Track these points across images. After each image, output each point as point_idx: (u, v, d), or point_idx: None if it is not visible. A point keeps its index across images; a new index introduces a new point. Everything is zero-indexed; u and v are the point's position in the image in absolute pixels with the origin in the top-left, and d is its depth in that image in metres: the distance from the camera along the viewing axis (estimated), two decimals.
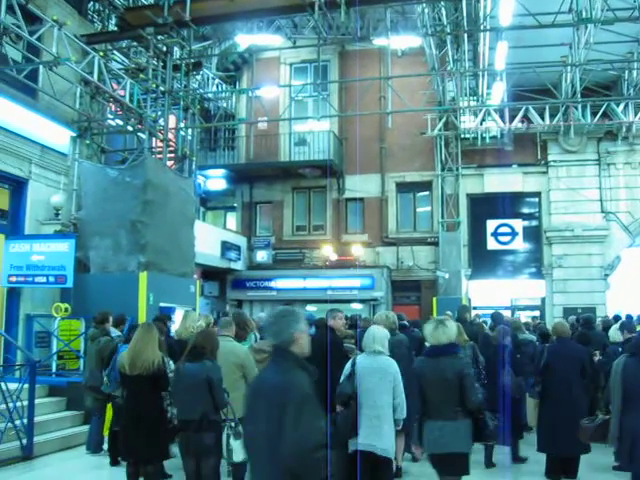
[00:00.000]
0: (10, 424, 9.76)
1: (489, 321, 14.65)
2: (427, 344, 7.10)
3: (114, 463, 9.54)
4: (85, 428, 11.23)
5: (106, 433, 10.28)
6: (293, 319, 3.98)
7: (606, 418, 7.31)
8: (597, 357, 10.86)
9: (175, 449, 8.06)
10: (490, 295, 23.97)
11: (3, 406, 9.72)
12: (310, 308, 22.66)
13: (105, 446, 10.26)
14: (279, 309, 4.10)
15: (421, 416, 6.52)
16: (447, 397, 6.24)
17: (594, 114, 21.66)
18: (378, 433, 6.74)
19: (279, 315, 4.04)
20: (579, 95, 19.57)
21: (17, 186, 14.15)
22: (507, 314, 18.89)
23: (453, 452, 6.21)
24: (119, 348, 9.72)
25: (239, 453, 6.79)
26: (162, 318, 10.78)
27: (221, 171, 26.11)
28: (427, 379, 6.42)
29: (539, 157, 24.29)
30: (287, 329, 3.92)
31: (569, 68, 20.06)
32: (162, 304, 13.88)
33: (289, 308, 4.17)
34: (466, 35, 18.93)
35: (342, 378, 7.01)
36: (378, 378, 6.82)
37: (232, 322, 8.48)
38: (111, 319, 11.10)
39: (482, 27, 17.73)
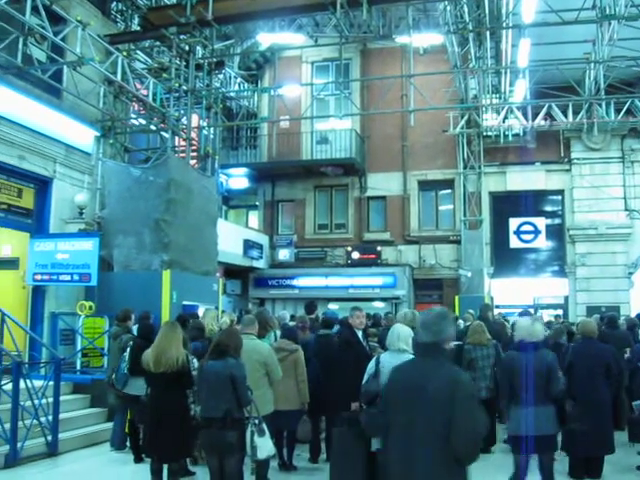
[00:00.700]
0: (35, 421, 9.87)
1: (512, 320, 14.62)
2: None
3: (138, 460, 9.62)
4: (109, 425, 11.31)
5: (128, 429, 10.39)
6: (451, 321, 4.42)
7: None
8: (627, 355, 10.86)
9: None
10: (513, 294, 23.88)
11: (29, 403, 9.81)
12: (332, 306, 22.67)
13: (129, 443, 10.33)
14: (437, 310, 4.42)
15: (508, 403, 7.19)
16: (536, 386, 6.87)
17: (618, 111, 21.49)
18: None
19: (440, 316, 4.34)
20: (603, 92, 19.43)
21: (42, 185, 14.25)
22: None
23: (544, 434, 6.89)
24: (127, 346, 9.90)
25: (263, 450, 6.83)
26: (185, 317, 10.86)
27: (243, 170, 26.16)
28: (517, 370, 7.04)
29: (562, 155, 24.16)
30: (447, 329, 4.27)
31: (592, 65, 19.94)
32: (185, 302, 13.94)
33: (446, 310, 4.50)
34: (488, 32, 18.85)
35: (366, 377, 7.01)
36: None
37: (255, 320, 8.54)
38: (133, 317, 11.21)
39: (504, 24, 17.66)
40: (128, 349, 9.81)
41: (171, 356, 7.22)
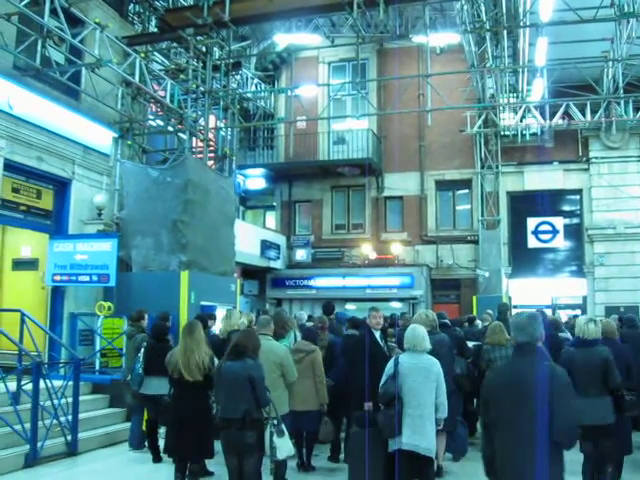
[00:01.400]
0: (55, 421, 9.94)
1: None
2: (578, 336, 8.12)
3: (157, 460, 9.67)
4: (128, 425, 11.36)
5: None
6: (541, 322, 4.83)
7: None
8: None
9: (217, 446, 8.17)
10: (531, 294, 23.77)
11: (48, 403, 9.88)
12: (349, 307, 22.68)
13: (147, 443, 10.38)
14: (528, 314, 4.90)
15: None
16: (594, 379, 7.51)
17: (636, 109, 21.33)
18: (422, 432, 6.77)
19: (532, 319, 4.79)
20: (621, 90, 19.27)
21: (61, 186, 14.33)
22: (548, 313, 18.73)
23: (603, 423, 7.45)
24: (141, 346, 9.97)
25: (283, 450, 6.85)
26: (205, 318, 10.91)
27: (260, 170, 26.23)
28: (576, 365, 7.45)
29: (580, 154, 24.04)
30: (540, 329, 4.72)
31: (611, 63, 19.82)
32: (203, 303, 13.98)
33: (536, 313, 4.99)
34: (505, 31, 18.75)
35: (384, 377, 7.01)
36: (422, 377, 6.85)
37: (271, 321, 8.59)
38: (146, 316, 11.30)
39: (522, 23, 17.57)
40: (142, 349, 9.88)
41: (197, 362, 7.34)
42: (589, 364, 7.56)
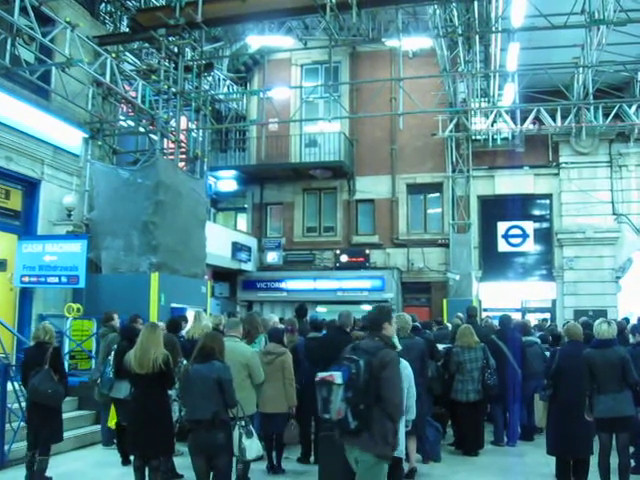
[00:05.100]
0: (23, 423, 9.80)
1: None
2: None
3: (126, 462, 9.60)
4: (97, 427, 11.38)
5: (112, 424, 10.51)
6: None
7: None
8: None
9: (183, 448, 8.16)
10: (501, 297, 23.93)
11: (16, 405, 9.77)
12: (320, 309, 22.68)
13: (116, 444, 10.33)
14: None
15: (591, 392, 8.13)
16: (613, 376, 8.02)
17: (606, 116, 21.58)
18: None
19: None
20: (591, 96, 19.49)
21: (30, 187, 14.21)
22: (517, 316, 18.87)
23: (624, 415, 7.98)
24: (112, 349, 9.96)
25: (252, 451, 6.87)
26: (178, 321, 10.95)
27: (232, 172, 26.11)
28: (597, 364, 8.08)
29: (550, 159, 24.22)
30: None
31: (581, 69, 20.00)
32: (173, 305, 13.92)
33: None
34: (477, 36, 18.90)
35: None
36: None
37: (239, 323, 8.65)
38: (116, 316, 11.40)
39: (494, 28, 17.73)
40: (112, 352, 9.83)
41: (151, 357, 7.32)
42: (607, 362, 8.04)
